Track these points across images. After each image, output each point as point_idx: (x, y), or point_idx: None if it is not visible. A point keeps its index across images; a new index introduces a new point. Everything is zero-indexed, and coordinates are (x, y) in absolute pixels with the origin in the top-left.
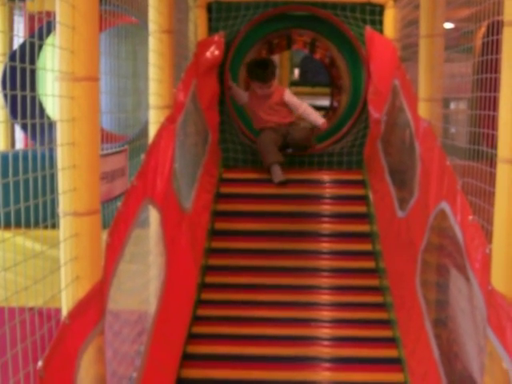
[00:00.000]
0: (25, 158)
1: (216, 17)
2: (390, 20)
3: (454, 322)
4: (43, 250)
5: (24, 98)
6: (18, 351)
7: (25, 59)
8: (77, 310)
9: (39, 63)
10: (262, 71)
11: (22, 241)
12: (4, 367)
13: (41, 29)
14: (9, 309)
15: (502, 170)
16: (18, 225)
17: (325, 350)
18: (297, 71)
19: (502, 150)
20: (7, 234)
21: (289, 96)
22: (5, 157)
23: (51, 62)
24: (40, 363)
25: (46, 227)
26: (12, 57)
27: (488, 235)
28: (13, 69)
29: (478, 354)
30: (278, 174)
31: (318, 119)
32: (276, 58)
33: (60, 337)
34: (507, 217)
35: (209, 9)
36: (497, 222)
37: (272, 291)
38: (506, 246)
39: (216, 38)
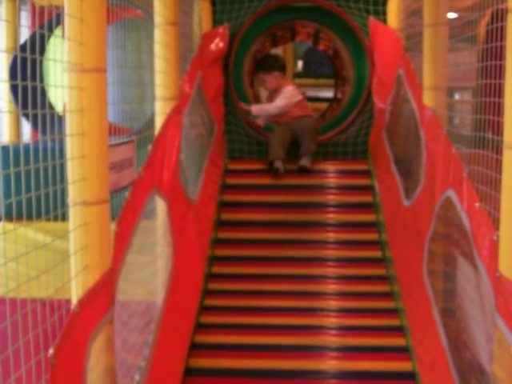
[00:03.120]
0: (35, 150)
1: (220, 9)
2: (394, 10)
3: (462, 311)
4: (53, 240)
5: (31, 90)
6: (28, 340)
7: (32, 53)
8: (86, 299)
9: (46, 57)
10: (261, 61)
11: (33, 234)
12: (16, 356)
13: (50, 22)
14: (20, 300)
15: (508, 156)
16: (29, 217)
17: (332, 339)
18: (300, 63)
19: (508, 136)
20: (15, 226)
21: (284, 89)
22: (16, 150)
23: (59, 56)
24: (51, 351)
25: (56, 219)
26: (21, 49)
27: (495, 222)
28: (20, 61)
29: (487, 342)
30: (275, 166)
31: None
32: (279, 50)
33: (70, 325)
34: None
35: (213, 1)
36: (504, 208)
37: (279, 281)
38: None
39: (220, 30)
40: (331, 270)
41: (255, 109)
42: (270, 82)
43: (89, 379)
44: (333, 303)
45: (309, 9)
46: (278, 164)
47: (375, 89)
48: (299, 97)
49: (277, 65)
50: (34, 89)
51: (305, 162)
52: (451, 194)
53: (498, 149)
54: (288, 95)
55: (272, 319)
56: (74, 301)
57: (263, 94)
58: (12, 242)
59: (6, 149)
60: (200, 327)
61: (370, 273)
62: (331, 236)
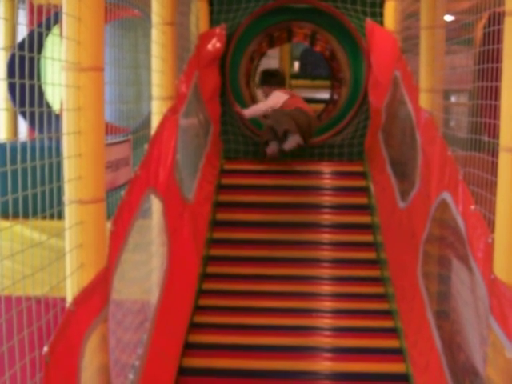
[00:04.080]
0: (32, 148)
1: (217, 9)
2: (391, 12)
3: (456, 313)
4: (48, 238)
5: (29, 89)
6: (23, 338)
7: (29, 52)
8: (82, 297)
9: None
10: (260, 75)
11: (29, 232)
12: (10, 353)
13: (48, 20)
14: (15, 298)
15: (503, 159)
16: (25, 215)
17: (326, 340)
18: (297, 64)
19: (504, 139)
20: (10, 223)
21: (272, 93)
22: (13, 148)
23: (57, 55)
24: (45, 349)
25: (52, 217)
26: (19, 47)
27: (490, 225)
28: (18, 59)
29: (481, 345)
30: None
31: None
32: (276, 51)
33: (65, 323)
34: (509, 206)
35: (210, 1)
36: (499, 211)
37: (273, 281)
38: (508, 235)
39: (217, 30)
40: (326, 271)
41: (247, 112)
42: (263, 92)
43: (83, 377)
44: (327, 304)
45: (306, 10)
46: (270, 149)
47: (372, 90)
48: (285, 97)
49: (267, 79)
50: (32, 87)
51: (286, 145)
52: (447, 196)
53: (493, 151)
54: (274, 97)
55: (266, 320)
56: (69, 299)
57: (259, 94)
58: (7, 240)
59: (2, 147)
60: (194, 327)
61: (364, 274)
62: (326, 237)
